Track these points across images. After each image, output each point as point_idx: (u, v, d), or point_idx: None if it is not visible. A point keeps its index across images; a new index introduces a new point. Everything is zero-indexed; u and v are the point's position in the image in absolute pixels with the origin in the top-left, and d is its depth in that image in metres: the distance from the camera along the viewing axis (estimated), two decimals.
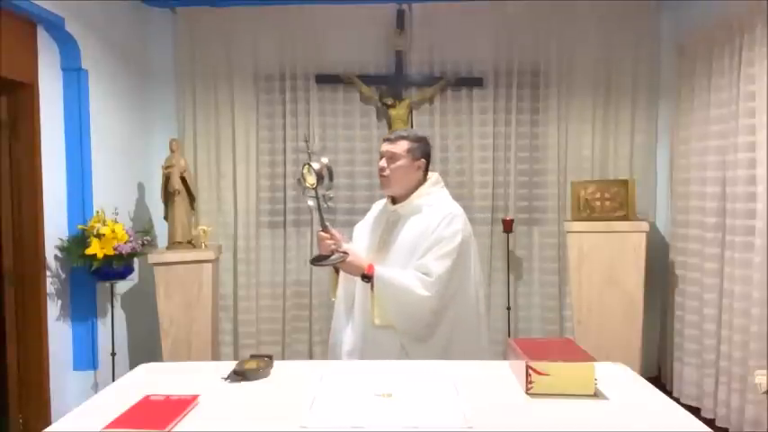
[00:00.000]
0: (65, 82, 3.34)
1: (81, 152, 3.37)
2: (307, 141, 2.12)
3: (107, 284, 3.47)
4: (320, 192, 2.08)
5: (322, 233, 2.18)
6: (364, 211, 2.54)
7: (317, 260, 2.15)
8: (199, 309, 3.56)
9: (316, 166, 2.04)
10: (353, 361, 2.15)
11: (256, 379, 1.70)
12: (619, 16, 4.25)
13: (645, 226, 3.80)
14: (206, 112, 4.36)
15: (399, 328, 2.11)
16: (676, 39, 4.12)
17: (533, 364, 1.54)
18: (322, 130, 4.38)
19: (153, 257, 3.52)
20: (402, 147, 2.22)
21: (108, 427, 1.35)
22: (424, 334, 2.12)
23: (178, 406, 1.45)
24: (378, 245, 2.25)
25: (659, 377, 4.25)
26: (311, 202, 2.12)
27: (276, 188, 4.44)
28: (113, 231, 3.23)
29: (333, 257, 2.11)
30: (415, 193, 2.25)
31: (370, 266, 2.11)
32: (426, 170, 2.30)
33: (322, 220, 2.16)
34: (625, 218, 3.84)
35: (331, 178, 2.07)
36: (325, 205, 2.11)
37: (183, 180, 3.67)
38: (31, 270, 3.10)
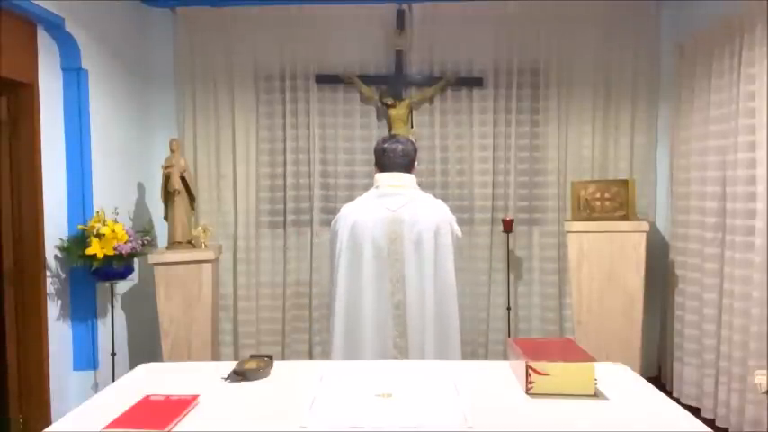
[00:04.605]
0: (65, 82, 3.34)
1: (81, 152, 3.37)
2: None
3: (107, 284, 3.47)
4: None
5: None
6: None
7: None
8: (199, 309, 3.56)
9: None
10: (353, 361, 2.16)
11: (256, 379, 1.70)
12: (619, 16, 4.25)
13: (645, 226, 3.80)
14: (206, 111, 4.36)
15: None
16: (676, 39, 4.11)
17: (533, 364, 1.54)
18: (322, 130, 4.38)
19: (153, 257, 3.52)
20: None
21: (108, 427, 1.35)
22: None
23: (178, 406, 1.45)
24: None
25: (659, 377, 4.25)
26: None
27: (276, 188, 4.44)
28: (113, 231, 3.23)
29: None
30: None
31: None
32: (378, 170, 2.44)
33: None
34: (625, 218, 3.84)
35: None
36: None
37: (183, 180, 3.67)
38: (31, 270, 3.10)
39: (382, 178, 2.39)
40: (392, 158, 2.38)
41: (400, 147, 2.39)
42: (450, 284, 2.34)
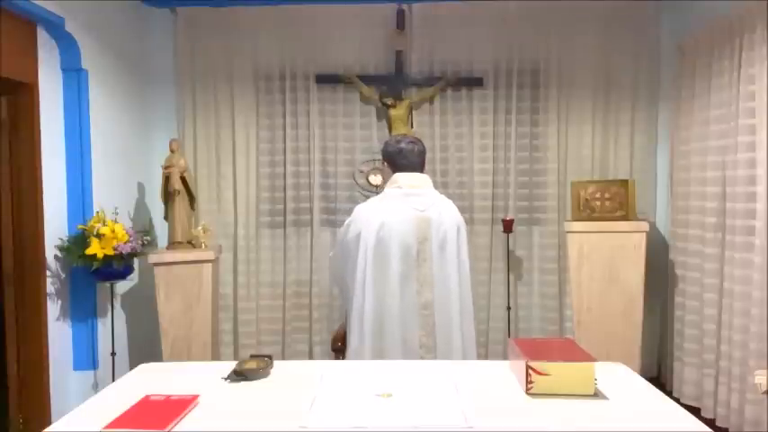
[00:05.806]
0: (65, 82, 3.33)
1: (81, 152, 3.36)
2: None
3: (107, 284, 3.47)
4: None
5: None
6: None
7: None
8: (199, 309, 3.56)
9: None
10: (354, 361, 2.17)
11: (256, 379, 1.70)
12: (619, 16, 4.25)
13: (645, 226, 3.80)
14: (206, 112, 4.36)
15: None
16: (676, 39, 4.11)
17: (533, 364, 1.54)
18: (322, 131, 4.38)
19: (153, 257, 3.52)
20: None
21: (108, 427, 1.35)
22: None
23: (178, 406, 1.45)
24: None
25: (659, 377, 4.25)
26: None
27: (276, 188, 4.44)
28: (113, 231, 3.23)
29: None
30: None
31: None
32: (394, 170, 2.44)
33: None
34: (625, 218, 3.84)
35: None
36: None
37: (183, 180, 3.67)
38: (31, 270, 3.09)
39: (403, 178, 2.38)
40: (410, 158, 2.39)
41: (416, 147, 2.41)
42: (469, 283, 2.40)
